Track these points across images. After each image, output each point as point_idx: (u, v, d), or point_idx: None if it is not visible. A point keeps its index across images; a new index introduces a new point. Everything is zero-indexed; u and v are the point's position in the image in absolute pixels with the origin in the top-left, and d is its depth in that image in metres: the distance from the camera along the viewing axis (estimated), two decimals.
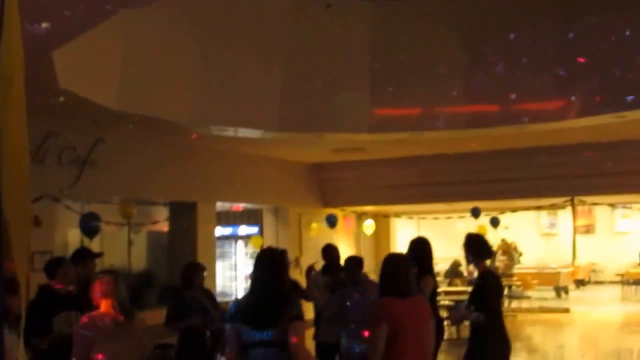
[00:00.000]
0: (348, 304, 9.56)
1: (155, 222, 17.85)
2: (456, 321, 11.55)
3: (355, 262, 10.20)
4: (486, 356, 8.20)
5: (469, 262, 8.84)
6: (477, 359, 8.33)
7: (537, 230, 33.35)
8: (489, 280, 8.38)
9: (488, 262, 8.99)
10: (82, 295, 7.63)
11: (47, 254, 11.79)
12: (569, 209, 22.98)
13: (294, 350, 6.06)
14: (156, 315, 10.62)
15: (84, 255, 9.26)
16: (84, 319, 6.40)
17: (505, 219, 24.47)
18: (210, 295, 10.51)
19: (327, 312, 10.22)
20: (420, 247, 9.45)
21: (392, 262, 6.91)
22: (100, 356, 6.21)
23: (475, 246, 8.49)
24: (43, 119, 12.73)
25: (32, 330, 7.04)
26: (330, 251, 11.84)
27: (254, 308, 6.25)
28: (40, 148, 13.24)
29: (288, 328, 6.08)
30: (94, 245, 15.79)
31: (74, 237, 15.03)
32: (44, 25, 7.74)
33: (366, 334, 8.14)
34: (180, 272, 10.46)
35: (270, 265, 6.40)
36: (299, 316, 6.24)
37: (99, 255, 9.62)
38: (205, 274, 10.36)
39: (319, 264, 11.98)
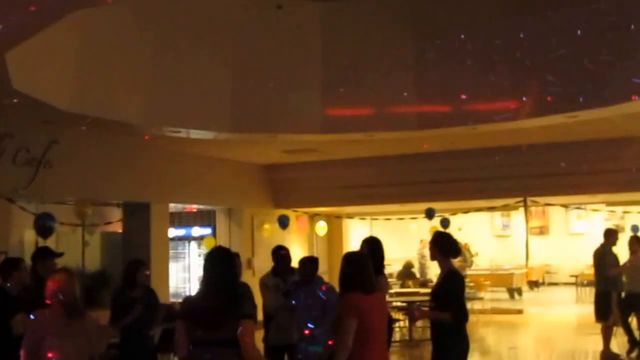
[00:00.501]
0: (294, 302, 9.73)
1: (108, 223, 17.95)
2: (419, 318, 11.64)
3: (310, 262, 10.34)
4: (450, 356, 8.31)
5: (433, 259, 8.64)
6: (440, 357, 8.41)
7: (491, 231, 33.24)
8: (454, 279, 8.43)
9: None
10: (39, 293, 7.74)
11: (2, 254, 11.95)
12: (522, 210, 23.06)
13: (244, 350, 6.06)
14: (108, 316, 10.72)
15: (44, 254, 9.40)
16: (34, 317, 6.48)
17: (459, 220, 24.56)
18: (152, 293, 10.26)
19: (280, 314, 10.30)
20: (373, 247, 9.38)
21: (355, 259, 7.12)
22: (50, 354, 6.26)
23: (444, 244, 8.49)
24: None
25: None
26: (280, 252, 11.49)
27: (204, 307, 6.21)
28: None
29: (239, 327, 6.06)
30: (49, 245, 15.92)
31: (29, 238, 15.07)
32: None
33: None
34: (123, 270, 10.38)
35: (220, 263, 6.37)
36: (250, 315, 6.28)
37: (60, 254, 9.69)
38: (147, 272, 10.20)
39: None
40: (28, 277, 8.82)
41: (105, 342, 7.20)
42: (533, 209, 27.27)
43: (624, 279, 14.76)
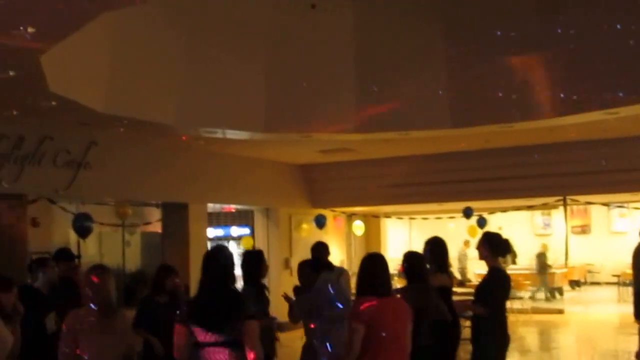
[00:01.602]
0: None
1: (147, 223, 18.22)
2: (460, 311, 11.76)
3: (321, 246, 10.55)
4: (486, 352, 8.51)
5: (482, 258, 8.89)
6: (479, 355, 8.64)
7: (531, 230, 33.20)
8: (497, 276, 8.66)
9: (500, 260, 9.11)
10: (64, 292, 7.91)
11: (45, 255, 12.21)
12: (563, 209, 22.93)
13: (248, 350, 6.07)
14: None
15: (64, 256, 9.71)
16: (70, 315, 6.57)
17: (499, 219, 24.50)
18: (179, 300, 9.88)
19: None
20: (434, 247, 9.65)
21: (371, 261, 7.00)
22: (83, 353, 6.39)
23: (493, 243, 8.78)
24: (38, 123, 13.21)
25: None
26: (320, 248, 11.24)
27: (207, 308, 6.22)
28: (37, 151, 13.73)
29: (242, 328, 6.08)
30: (91, 245, 16.27)
31: (73, 238, 15.33)
32: (30, 30, 7.97)
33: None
34: (152, 276, 10.34)
35: (221, 264, 6.38)
36: (253, 315, 6.24)
37: (78, 256, 9.88)
38: (177, 279, 10.00)
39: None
40: (56, 276, 9.05)
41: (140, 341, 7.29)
42: (574, 207, 27.10)
43: None
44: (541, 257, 26.70)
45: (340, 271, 10.03)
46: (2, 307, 7.25)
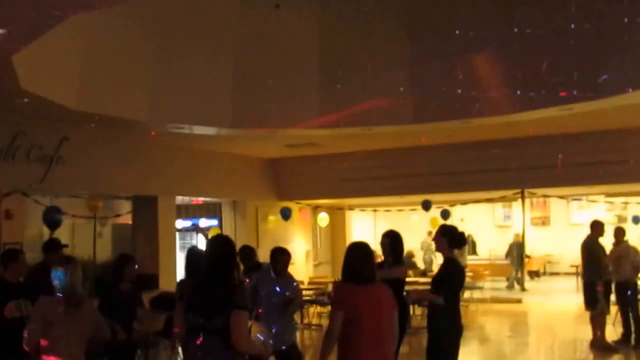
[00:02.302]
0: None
1: (118, 215, 18.56)
2: (414, 302, 12.03)
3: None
4: (440, 339, 8.81)
5: (439, 250, 9.16)
6: (433, 342, 8.90)
7: (492, 222, 33.48)
8: (452, 267, 8.94)
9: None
10: (41, 281, 8.17)
11: (17, 245, 12.60)
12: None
13: (236, 341, 6.03)
14: None
15: (53, 246, 10.07)
16: (38, 302, 6.85)
17: (460, 210, 24.93)
18: (138, 291, 10.26)
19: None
20: (393, 239, 10.15)
21: (354, 250, 7.05)
22: (43, 341, 6.59)
23: (450, 236, 9.04)
24: (12, 119, 13.59)
25: None
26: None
27: (198, 294, 6.27)
28: (11, 146, 14.13)
29: (230, 317, 6.05)
30: (64, 236, 16.55)
31: (45, 230, 15.58)
32: (1, 31, 8.37)
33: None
34: (112, 264, 10.49)
35: (217, 252, 6.42)
36: (243, 306, 6.17)
37: (66, 245, 10.21)
38: (135, 266, 10.02)
39: None
40: (25, 268, 9.35)
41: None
42: (534, 200, 27.56)
43: (610, 269, 15.07)
44: (517, 247, 26.94)
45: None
46: None
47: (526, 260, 27.36)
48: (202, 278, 6.43)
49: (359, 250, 7.04)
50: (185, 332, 6.27)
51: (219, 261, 6.35)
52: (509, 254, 27.62)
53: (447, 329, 8.81)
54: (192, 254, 10.58)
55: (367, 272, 6.81)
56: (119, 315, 9.00)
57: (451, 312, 8.84)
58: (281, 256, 10.25)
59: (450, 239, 9.04)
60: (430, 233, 26.57)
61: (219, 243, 6.60)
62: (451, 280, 8.91)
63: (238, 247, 10.10)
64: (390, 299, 6.94)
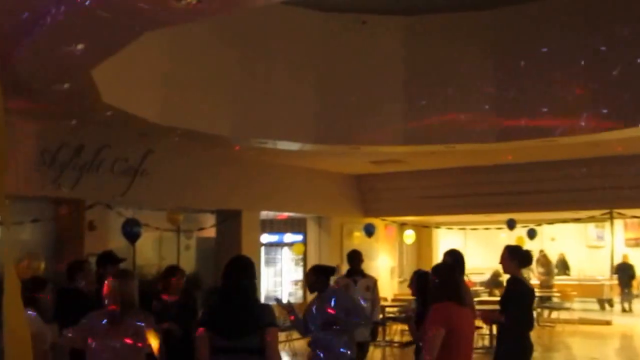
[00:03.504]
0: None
1: (202, 229, 18.70)
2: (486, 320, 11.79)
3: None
4: (509, 358, 8.72)
5: (506, 271, 9.10)
6: None
7: (584, 242, 33.03)
8: (517, 286, 8.82)
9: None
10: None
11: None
12: (616, 222, 22.70)
13: (269, 358, 6.05)
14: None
15: (106, 260, 10.01)
16: (85, 319, 6.64)
17: (551, 230, 24.47)
18: (190, 299, 9.97)
19: None
20: (456, 258, 9.97)
21: (445, 271, 6.99)
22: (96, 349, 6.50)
23: (515, 255, 8.92)
24: (97, 132, 13.87)
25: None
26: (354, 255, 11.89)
27: (226, 315, 6.19)
28: (95, 159, 14.39)
29: (263, 335, 6.05)
30: (150, 248, 16.84)
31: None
32: (79, 46, 8.51)
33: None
34: (160, 276, 10.20)
35: (241, 272, 6.33)
36: (273, 323, 6.20)
37: (122, 260, 10.13)
38: (183, 278, 9.76)
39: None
40: (93, 276, 9.29)
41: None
42: (628, 220, 26.98)
43: None
44: (626, 268, 26.47)
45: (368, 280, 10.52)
46: (40, 306, 7.65)
47: (616, 281, 26.64)
48: (223, 300, 6.33)
49: (449, 271, 6.99)
50: (214, 355, 6.17)
51: (242, 282, 6.28)
52: (618, 275, 26.94)
53: (514, 349, 8.68)
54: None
55: (460, 293, 6.73)
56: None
57: (519, 331, 8.71)
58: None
59: (516, 258, 8.90)
60: (541, 251, 26.21)
61: (239, 264, 6.45)
62: (517, 299, 8.77)
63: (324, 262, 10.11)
64: (474, 319, 7.05)
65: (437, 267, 7.10)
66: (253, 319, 6.13)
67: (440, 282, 6.77)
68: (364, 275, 11.46)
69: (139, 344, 6.55)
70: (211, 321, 6.28)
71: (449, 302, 6.59)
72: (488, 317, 9.65)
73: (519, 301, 8.84)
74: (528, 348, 8.84)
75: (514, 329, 8.69)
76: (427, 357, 6.49)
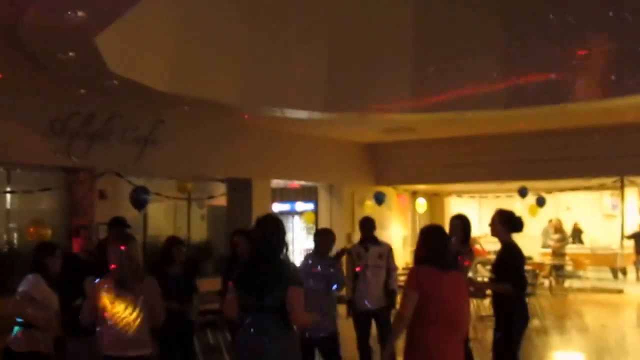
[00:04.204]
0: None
1: (211, 197, 18.74)
2: (476, 292, 11.69)
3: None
4: (512, 325, 8.60)
5: (494, 235, 8.94)
6: (503, 329, 8.66)
7: (599, 211, 32.86)
8: (513, 251, 8.76)
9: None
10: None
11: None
12: (634, 190, 22.59)
13: (294, 315, 6.13)
14: (212, 284, 11.40)
15: (118, 224, 10.14)
16: (95, 282, 6.66)
17: (566, 199, 24.24)
18: (192, 276, 10.02)
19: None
20: (463, 222, 10.06)
21: (435, 233, 6.70)
22: (98, 326, 6.53)
23: (506, 220, 8.83)
24: (107, 101, 13.91)
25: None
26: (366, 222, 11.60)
27: (248, 274, 6.30)
28: (105, 128, 14.53)
29: (286, 294, 6.10)
30: (163, 217, 16.90)
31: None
32: (80, 13, 8.57)
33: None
34: (160, 247, 10.28)
35: (268, 230, 6.36)
36: (298, 282, 6.25)
37: (128, 227, 10.21)
38: (184, 249, 9.84)
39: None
40: (89, 243, 9.36)
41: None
42: None
43: None
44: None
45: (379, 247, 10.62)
46: (48, 271, 7.71)
47: (632, 250, 26.39)
48: (251, 258, 6.48)
49: (441, 234, 6.72)
50: (240, 311, 6.29)
51: (269, 240, 6.30)
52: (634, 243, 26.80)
53: (517, 318, 8.64)
54: None
55: (444, 258, 6.49)
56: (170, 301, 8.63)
57: (519, 296, 8.71)
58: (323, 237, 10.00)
59: (507, 223, 8.83)
60: (550, 221, 26.17)
61: (268, 223, 6.47)
62: (517, 265, 8.76)
63: (335, 230, 10.26)
64: (465, 286, 6.77)
65: (423, 229, 6.85)
66: (274, 278, 6.17)
67: (422, 244, 6.62)
68: (377, 242, 11.13)
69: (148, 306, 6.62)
70: (240, 279, 6.37)
71: (429, 266, 6.41)
72: (498, 290, 9.45)
73: (520, 267, 8.85)
74: (527, 311, 8.91)
75: (516, 294, 8.62)
76: (398, 318, 6.46)
